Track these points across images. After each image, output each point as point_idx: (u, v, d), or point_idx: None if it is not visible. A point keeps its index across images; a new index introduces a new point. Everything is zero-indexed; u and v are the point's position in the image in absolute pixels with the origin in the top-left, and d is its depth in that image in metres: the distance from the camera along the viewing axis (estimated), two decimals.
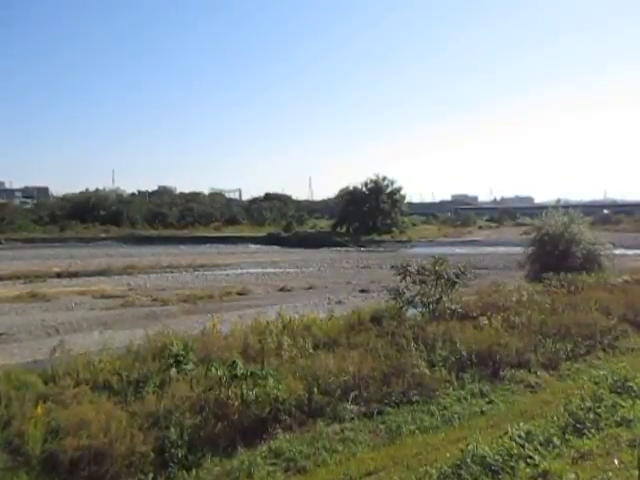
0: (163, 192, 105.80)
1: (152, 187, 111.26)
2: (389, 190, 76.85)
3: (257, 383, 6.93)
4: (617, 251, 25.39)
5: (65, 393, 6.67)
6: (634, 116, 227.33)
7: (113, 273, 30.98)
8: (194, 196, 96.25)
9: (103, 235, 68.97)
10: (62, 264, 33.17)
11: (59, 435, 5.70)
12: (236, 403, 6.60)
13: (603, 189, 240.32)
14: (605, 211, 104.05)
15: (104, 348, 8.63)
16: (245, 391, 6.74)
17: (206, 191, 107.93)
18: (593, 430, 5.45)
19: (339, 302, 19.43)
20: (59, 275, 29.40)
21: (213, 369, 7.16)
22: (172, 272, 32.56)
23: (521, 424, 5.76)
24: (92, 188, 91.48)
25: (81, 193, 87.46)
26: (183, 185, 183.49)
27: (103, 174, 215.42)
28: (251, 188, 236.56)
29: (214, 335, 9.78)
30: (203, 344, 8.88)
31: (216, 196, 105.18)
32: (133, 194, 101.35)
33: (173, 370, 7.71)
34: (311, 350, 8.96)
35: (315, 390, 7.19)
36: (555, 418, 5.87)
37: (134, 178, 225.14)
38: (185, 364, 7.94)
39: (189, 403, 6.62)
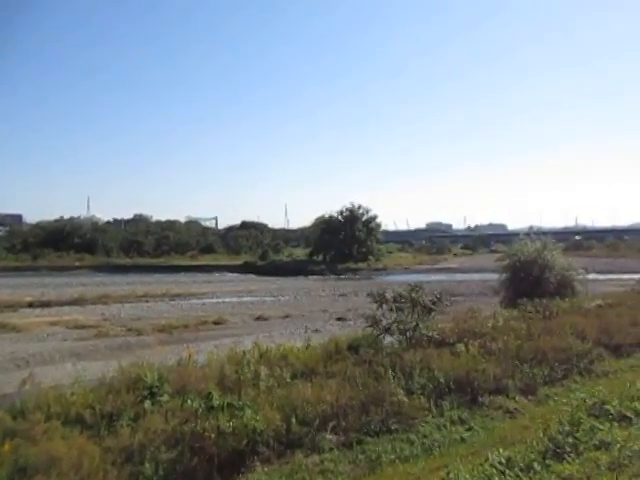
0: (139, 220, 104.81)
1: (128, 215, 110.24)
2: (364, 218, 77.57)
3: (234, 414, 6.80)
4: (590, 276, 25.84)
5: (35, 428, 6.41)
6: (602, 146, 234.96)
7: (87, 303, 30.42)
8: (170, 224, 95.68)
9: (77, 264, 67.93)
10: (34, 293, 32.47)
11: (27, 474, 5.44)
12: (212, 435, 6.43)
13: (574, 216, 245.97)
14: (577, 237, 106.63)
15: (76, 380, 8.37)
16: (222, 423, 6.60)
17: (182, 219, 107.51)
18: (573, 454, 5.44)
19: (316, 330, 19.33)
20: (31, 305, 28.75)
21: (189, 401, 7.02)
22: (147, 301, 32.11)
23: (501, 450, 5.73)
24: (67, 216, 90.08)
25: (55, 221, 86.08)
26: (159, 213, 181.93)
27: (78, 202, 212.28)
28: (227, 216, 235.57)
29: (190, 366, 9.60)
30: (179, 375, 8.69)
31: (192, 224, 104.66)
32: (108, 222, 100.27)
33: (148, 402, 7.52)
34: (288, 380, 8.84)
35: (293, 420, 7.06)
36: (535, 443, 5.85)
37: (110, 206, 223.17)
38: (160, 396, 7.75)
39: (164, 437, 6.44)
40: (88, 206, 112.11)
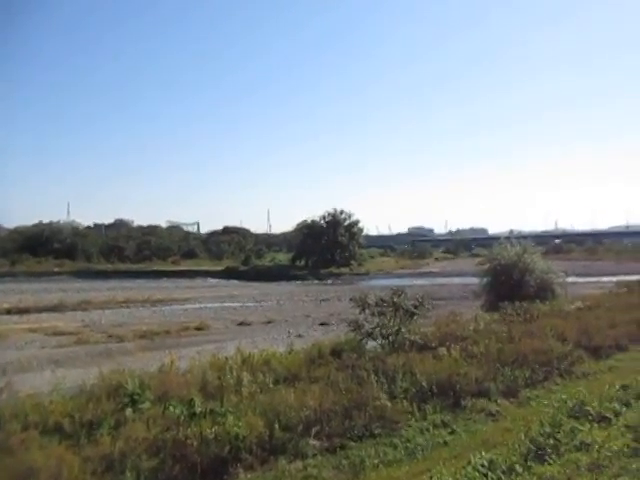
0: (120, 225, 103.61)
1: (109, 220, 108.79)
2: (347, 223, 77.74)
3: (216, 421, 6.73)
4: (569, 279, 26.23)
5: (11, 439, 6.28)
6: (582, 150, 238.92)
7: (67, 309, 29.99)
8: (151, 229, 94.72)
9: (57, 269, 66.91)
10: (12, 300, 31.92)
11: None
12: (195, 443, 6.36)
13: (554, 220, 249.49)
14: (557, 241, 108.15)
15: (55, 388, 8.22)
16: (204, 430, 6.53)
17: (164, 224, 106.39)
18: (554, 456, 5.50)
19: (299, 336, 19.28)
20: (9, 312, 28.26)
21: (171, 408, 6.93)
22: (128, 307, 31.79)
23: (483, 453, 5.77)
24: (46, 220, 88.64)
25: (34, 225, 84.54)
26: (140, 218, 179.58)
27: (58, 207, 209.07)
28: (209, 221, 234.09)
29: (172, 372, 9.50)
30: (160, 382, 8.60)
31: (174, 229, 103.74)
32: (89, 227, 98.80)
33: (129, 410, 7.41)
34: (271, 385, 8.80)
35: (276, 426, 7.01)
36: (516, 445, 5.91)
37: (90, 211, 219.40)
38: (141, 403, 7.65)
39: (145, 444, 6.35)
40: (68, 211, 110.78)
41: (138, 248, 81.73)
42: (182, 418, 6.62)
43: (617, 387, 8.21)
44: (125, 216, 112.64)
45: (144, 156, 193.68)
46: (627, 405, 7.27)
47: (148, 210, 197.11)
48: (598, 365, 11.29)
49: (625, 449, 5.43)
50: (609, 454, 5.25)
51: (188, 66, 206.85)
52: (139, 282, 54.50)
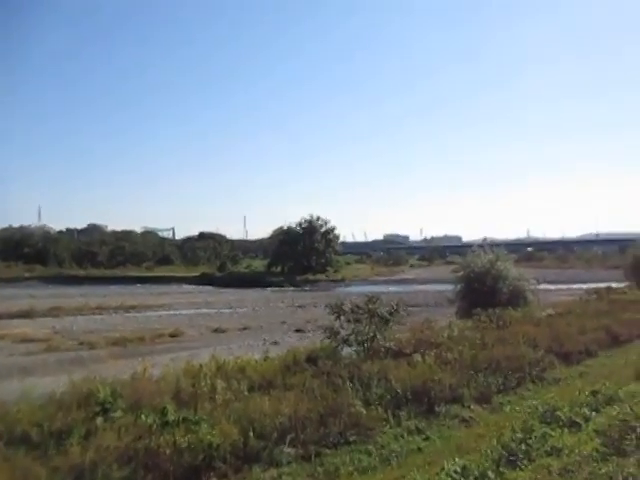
0: (93, 230, 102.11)
1: (81, 225, 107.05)
2: (323, 230, 78.01)
3: (190, 429, 6.65)
4: (541, 286, 26.66)
5: None
6: (552, 158, 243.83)
7: (37, 315, 29.42)
8: (126, 235, 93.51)
9: (27, 275, 65.54)
10: None
11: None
12: (167, 451, 6.27)
13: (526, 228, 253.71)
14: (529, 249, 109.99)
15: (23, 397, 8.02)
16: (177, 438, 6.44)
17: (138, 229, 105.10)
18: (525, 461, 5.56)
19: (274, 342, 19.21)
20: None
21: (143, 416, 6.82)
22: (101, 314, 31.34)
23: (457, 459, 5.80)
24: (16, 224, 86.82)
25: (4, 229, 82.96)
26: (114, 223, 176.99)
27: (29, 211, 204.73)
28: (185, 227, 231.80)
29: (145, 380, 9.35)
30: (133, 390, 8.45)
31: (149, 235, 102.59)
32: (61, 232, 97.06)
33: (100, 419, 7.25)
34: (246, 392, 8.72)
35: (250, 434, 6.95)
36: (489, 451, 5.96)
37: (62, 215, 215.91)
38: (113, 412, 7.49)
39: (117, 454, 6.22)
40: (39, 215, 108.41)
41: (112, 254, 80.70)
42: (155, 426, 6.53)
43: (587, 393, 8.35)
44: (98, 221, 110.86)
45: (119, 160, 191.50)
46: (596, 410, 7.40)
47: (122, 215, 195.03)
48: (569, 371, 11.49)
49: (594, 454, 5.52)
50: (579, 459, 5.34)
51: (174, 70, 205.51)
52: (112, 288, 53.77)
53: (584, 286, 35.59)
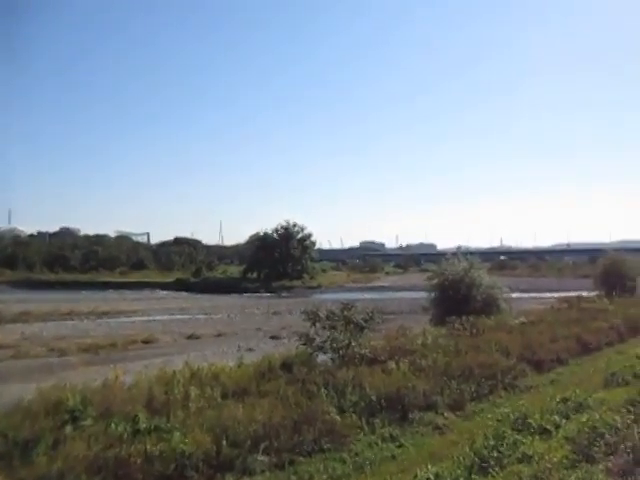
0: (65, 234, 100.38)
1: (53, 228, 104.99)
2: (299, 236, 77.96)
3: (162, 437, 6.55)
4: (514, 294, 27.01)
5: None
6: (526, 167, 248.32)
7: (5, 321, 28.74)
8: (99, 239, 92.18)
9: None
10: None
11: None
12: (138, 461, 6.16)
13: (500, 237, 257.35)
14: (502, 257, 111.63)
15: None
16: (148, 447, 6.34)
17: (112, 234, 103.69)
18: (497, 468, 5.63)
19: (249, 349, 19.11)
20: None
21: (113, 425, 6.70)
22: (72, 320, 30.78)
23: (430, 467, 5.84)
24: None
25: None
26: (88, 227, 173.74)
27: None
28: (160, 232, 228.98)
29: (116, 387, 9.18)
30: (104, 397, 8.28)
31: (123, 239, 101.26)
32: (32, 235, 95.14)
33: (69, 427, 7.08)
34: (220, 400, 8.63)
35: (224, 442, 6.88)
36: (462, 458, 6.01)
37: (34, 218, 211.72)
38: (83, 420, 7.33)
39: (86, 463, 6.08)
40: (9, 219, 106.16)
41: (84, 258, 79.43)
42: (125, 435, 6.42)
43: (557, 400, 8.49)
44: (71, 224, 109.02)
45: (93, 163, 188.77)
46: (566, 417, 7.53)
47: (96, 219, 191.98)
48: (540, 378, 11.65)
49: (564, 460, 5.62)
50: (549, 466, 5.41)
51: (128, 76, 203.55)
52: (85, 293, 52.90)
53: (555, 295, 36.15)
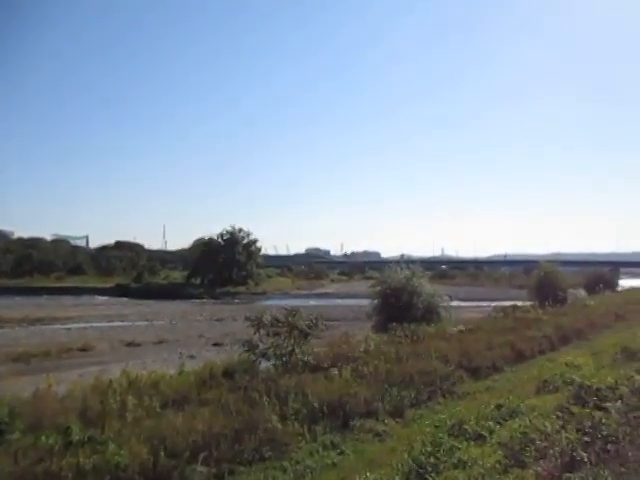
0: None
1: None
2: (245, 242, 77.33)
3: (96, 449, 6.34)
4: (453, 303, 27.68)
5: None
6: (468, 182, 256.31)
7: None
8: (34, 242, 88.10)
9: None
10: None
11: None
12: (70, 474, 5.92)
13: (441, 247, 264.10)
14: (443, 267, 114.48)
15: None
16: (81, 460, 6.11)
17: (49, 237, 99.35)
18: (433, 474, 5.74)
19: (191, 356, 18.81)
20: None
21: (44, 437, 6.42)
22: (2, 327, 29.23)
23: (369, 474, 5.90)
24: None
25: None
26: (22, 229, 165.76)
27: None
28: (101, 235, 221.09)
29: (48, 398, 8.81)
30: (34, 409, 7.94)
31: (60, 243, 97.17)
32: None
33: None
34: (159, 409, 8.45)
35: (161, 453, 6.71)
36: (400, 465, 6.10)
37: None
38: (10, 434, 7.00)
39: None
40: None
41: (17, 262, 75.99)
42: (57, 448, 6.17)
43: (492, 406, 8.75)
44: (4, 227, 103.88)
45: (28, 161, 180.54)
46: (500, 423, 7.77)
47: (31, 221, 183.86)
48: (477, 385, 11.98)
49: (497, 465, 5.79)
50: (482, 471, 5.57)
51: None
52: (17, 299, 50.53)
53: (492, 304, 37.26)
